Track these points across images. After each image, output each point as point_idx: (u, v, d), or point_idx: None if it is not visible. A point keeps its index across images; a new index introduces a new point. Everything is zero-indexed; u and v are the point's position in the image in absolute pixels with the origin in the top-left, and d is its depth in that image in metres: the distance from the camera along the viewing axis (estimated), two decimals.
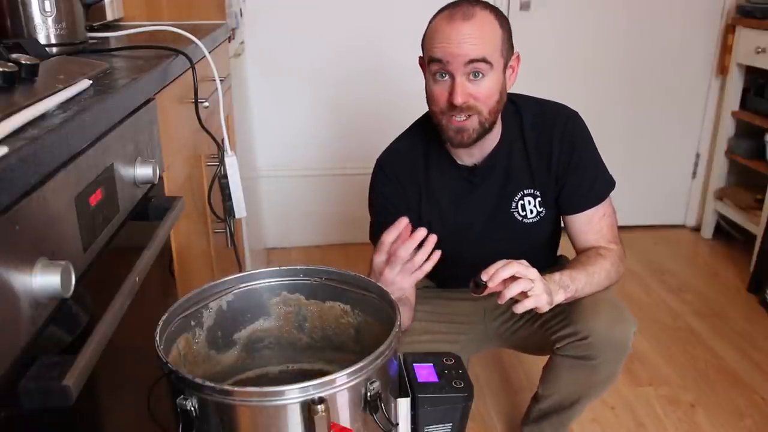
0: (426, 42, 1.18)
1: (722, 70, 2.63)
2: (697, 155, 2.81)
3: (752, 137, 2.53)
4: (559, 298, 1.13)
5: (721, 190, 2.71)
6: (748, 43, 2.44)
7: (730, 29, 2.55)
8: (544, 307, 1.08)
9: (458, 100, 1.13)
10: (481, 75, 1.14)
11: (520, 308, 1.07)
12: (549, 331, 1.30)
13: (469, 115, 1.16)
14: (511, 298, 1.07)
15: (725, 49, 2.58)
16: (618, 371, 1.28)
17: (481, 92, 1.15)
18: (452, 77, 1.14)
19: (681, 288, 2.40)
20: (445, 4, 1.19)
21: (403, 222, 1.10)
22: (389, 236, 1.10)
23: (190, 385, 0.73)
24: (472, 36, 1.12)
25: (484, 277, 1.06)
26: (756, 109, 2.50)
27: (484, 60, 1.13)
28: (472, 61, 1.12)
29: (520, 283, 1.05)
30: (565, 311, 1.25)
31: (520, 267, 1.06)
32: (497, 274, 1.06)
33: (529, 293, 1.06)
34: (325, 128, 2.61)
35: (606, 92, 2.68)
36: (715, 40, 2.64)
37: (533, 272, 1.07)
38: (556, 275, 1.15)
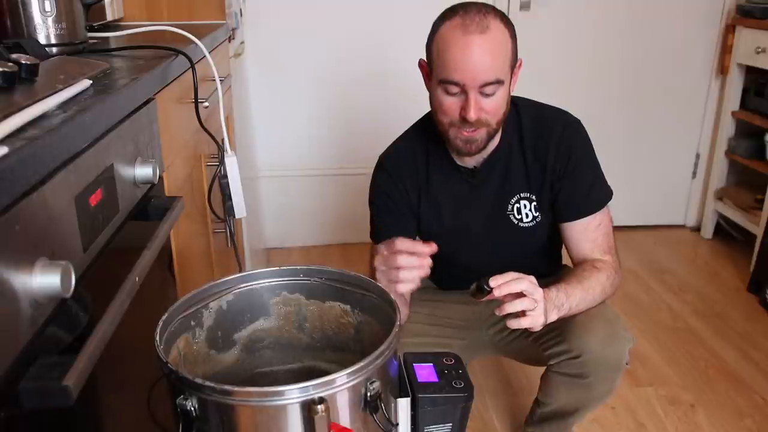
0: (436, 53, 1.15)
1: (722, 70, 2.63)
2: (697, 155, 2.81)
3: (752, 137, 2.53)
4: (553, 317, 1.11)
5: (721, 190, 2.71)
6: (748, 43, 2.44)
7: (730, 29, 2.55)
8: (537, 328, 1.07)
9: (472, 116, 1.13)
10: (493, 93, 1.14)
11: (514, 325, 1.05)
12: (543, 347, 1.29)
13: (478, 128, 1.16)
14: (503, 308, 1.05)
15: (725, 49, 2.58)
16: (614, 387, 1.28)
17: (492, 107, 1.15)
18: (465, 93, 1.13)
19: (681, 288, 2.40)
20: (451, 5, 1.16)
21: (433, 248, 1.06)
22: (403, 245, 1.06)
23: (190, 385, 0.73)
24: (488, 54, 1.11)
25: (492, 283, 1.03)
26: (756, 109, 2.50)
27: (497, 81, 1.13)
28: (487, 84, 1.12)
29: (524, 302, 1.03)
30: (559, 327, 1.24)
31: (530, 286, 1.04)
32: (507, 286, 1.03)
33: (528, 313, 1.04)
34: (325, 128, 2.61)
35: (606, 92, 2.68)
36: (715, 40, 2.64)
37: (539, 293, 1.05)
38: (552, 293, 1.12)
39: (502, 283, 1.03)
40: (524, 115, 1.28)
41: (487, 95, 1.14)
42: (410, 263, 1.04)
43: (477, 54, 1.10)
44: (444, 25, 1.14)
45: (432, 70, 1.18)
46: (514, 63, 1.18)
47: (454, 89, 1.14)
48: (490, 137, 1.20)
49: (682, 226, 2.92)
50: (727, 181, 2.73)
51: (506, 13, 2.47)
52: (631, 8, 2.57)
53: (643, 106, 2.71)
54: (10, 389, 0.54)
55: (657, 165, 2.80)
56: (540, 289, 1.06)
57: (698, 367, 1.94)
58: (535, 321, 1.05)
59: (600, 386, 1.25)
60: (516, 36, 1.18)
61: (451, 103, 1.16)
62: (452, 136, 1.19)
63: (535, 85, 2.54)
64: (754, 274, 2.36)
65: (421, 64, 1.23)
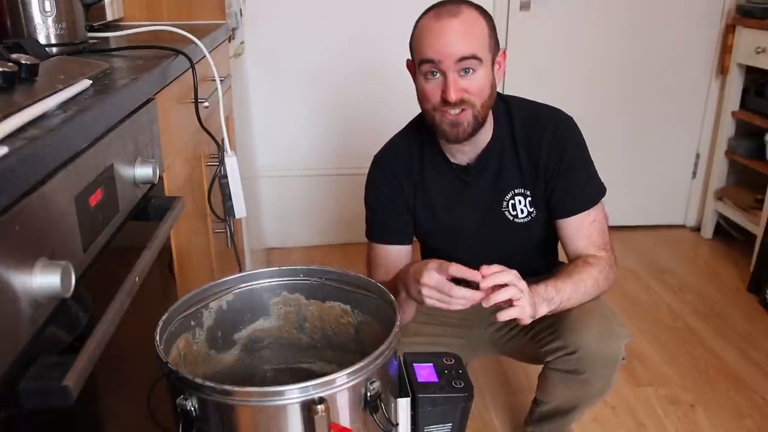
0: (415, 43, 1.19)
1: (722, 70, 2.63)
2: (697, 155, 2.81)
3: (752, 137, 2.53)
4: (543, 310, 1.12)
5: (721, 190, 2.71)
6: (748, 43, 2.44)
7: (730, 29, 2.55)
8: (526, 319, 1.08)
9: (452, 96, 1.14)
10: (471, 71, 1.15)
11: (503, 316, 1.06)
12: (539, 344, 1.30)
13: (463, 109, 1.17)
14: (496, 307, 1.06)
15: (725, 49, 2.58)
16: (611, 383, 1.28)
17: (473, 86, 1.16)
18: (444, 75, 1.15)
19: (681, 288, 2.40)
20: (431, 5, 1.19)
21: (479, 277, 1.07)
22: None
23: (190, 385, 0.73)
24: (461, 33, 1.13)
25: (483, 271, 1.04)
26: (756, 109, 2.50)
27: (474, 56, 1.14)
28: (463, 58, 1.13)
29: (510, 290, 1.04)
30: (555, 324, 1.25)
31: (513, 278, 1.06)
32: (493, 277, 1.04)
33: (515, 303, 1.05)
34: (324, 128, 2.61)
35: (606, 92, 2.68)
36: (715, 40, 2.64)
37: (524, 284, 1.07)
38: (541, 287, 1.14)
39: (490, 274, 1.04)
40: (516, 114, 1.29)
41: (466, 74, 1.15)
42: (465, 295, 1.06)
43: (450, 32, 1.13)
44: (420, 20, 1.19)
45: (414, 63, 1.20)
46: (495, 51, 1.19)
47: (433, 70, 1.16)
48: (477, 122, 1.20)
49: (682, 226, 2.92)
50: (727, 181, 2.72)
51: (506, 13, 2.50)
52: (631, 8, 2.57)
53: (643, 106, 2.71)
54: (10, 389, 0.54)
55: (657, 165, 2.80)
56: (524, 281, 1.07)
57: (698, 367, 1.94)
58: (522, 311, 1.06)
59: (597, 382, 1.25)
60: (494, 27, 1.20)
61: (432, 88, 1.18)
62: (438, 121, 1.20)
63: (534, 84, 2.55)
64: (754, 274, 2.36)
65: (407, 64, 1.25)
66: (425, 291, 1.08)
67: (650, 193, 2.84)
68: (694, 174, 2.83)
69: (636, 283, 2.42)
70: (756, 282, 2.33)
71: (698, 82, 2.69)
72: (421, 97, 1.21)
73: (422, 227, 1.36)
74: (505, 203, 1.31)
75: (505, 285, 1.05)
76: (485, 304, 1.06)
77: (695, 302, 2.30)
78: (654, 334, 2.10)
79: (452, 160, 1.30)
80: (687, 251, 2.73)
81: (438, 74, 1.16)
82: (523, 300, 1.06)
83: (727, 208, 2.65)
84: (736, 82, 2.56)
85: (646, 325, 2.15)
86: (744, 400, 1.79)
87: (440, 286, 1.07)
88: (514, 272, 1.07)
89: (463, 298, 1.06)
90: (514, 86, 2.46)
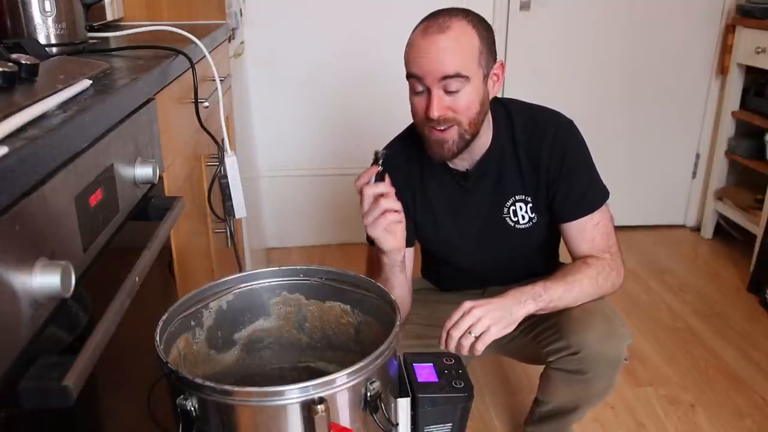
0: (406, 56, 1.19)
1: (722, 70, 2.63)
2: (697, 155, 2.81)
3: (752, 137, 2.53)
4: (528, 308, 1.13)
5: (721, 190, 2.71)
6: (748, 43, 2.44)
7: (730, 29, 2.55)
8: (502, 332, 1.10)
9: (434, 113, 1.14)
10: (458, 89, 1.14)
11: (479, 346, 1.09)
12: (541, 344, 1.30)
13: (449, 127, 1.16)
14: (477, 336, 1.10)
15: (725, 49, 2.58)
16: (613, 384, 1.28)
17: (459, 105, 1.15)
18: (429, 91, 1.14)
19: (681, 288, 2.40)
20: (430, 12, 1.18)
21: (373, 170, 1.15)
22: (361, 183, 1.15)
23: (190, 385, 0.73)
24: (446, 51, 1.12)
25: (443, 348, 1.12)
26: (756, 109, 2.50)
27: (458, 75, 1.12)
28: (446, 76, 1.12)
29: (463, 343, 1.09)
30: (557, 324, 1.24)
31: (455, 328, 1.09)
32: (449, 343, 1.10)
33: (477, 327, 1.08)
34: (324, 128, 2.61)
35: (606, 92, 2.68)
36: (715, 40, 2.64)
37: (474, 311, 1.09)
38: (528, 287, 1.15)
39: (446, 342, 1.11)
40: (516, 118, 1.28)
41: (452, 92, 1.14)
42: (393, 206, 1.13)
43: (434, 49, 1.12)
44: (412, 33, 1.18)
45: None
46: (488, 64, 1.18)
47: (419, 86, 1.15)
48: (464, 140, 1.19)
49: (682, 226, 2.92)
50: (727, 181, 2.73)
51: (506, 13, 2.50)
52: (631, 8, 2.57)
53: (643, 106, 2.71)
54: (10, 389, 0.54)
55: (657, 165, 2.80)
56: (469, 304, 1.10)
57: (698, 367, 1.94)
58: (488, 337, 1.08)
59: (599, 382, 1.25)
60: (491, 39, 1.19)
61: (417, 102, 1.18)
62: (426, 136, 1.20)
63: (535, 85, 2.55)
64: (754, 274, 2.36)
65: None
66: (371, 226, 1.14)
67: (650, 193, 2.84)
68: (694, 174, 2.83)
69: (636, 283, 2.42)
70: (756, 282, 2.33)
71: (698, 82, 2.70)
72: (411, 110, 1.21)
73: (423, 232, 1.36)
74: (506, 210, 1.30)
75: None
76: (448, 349, 1.11)
77: (695, 302, 2.30)
78: (654, 334, 2.10)
79: (451, 166, 1.30)
80: (687, 251, 2.73)
81: (424, 89, 1.15)
82: (478, 329, 1.08)
83: (727, 208, 2.65)
84: (736, 82, 2.56)
85: (646, 325, 2.15)
86: (744, 400, 1.79)
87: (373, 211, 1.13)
88: (453, 317, 1.10)
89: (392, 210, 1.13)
90: (514, 86, 2.46)
